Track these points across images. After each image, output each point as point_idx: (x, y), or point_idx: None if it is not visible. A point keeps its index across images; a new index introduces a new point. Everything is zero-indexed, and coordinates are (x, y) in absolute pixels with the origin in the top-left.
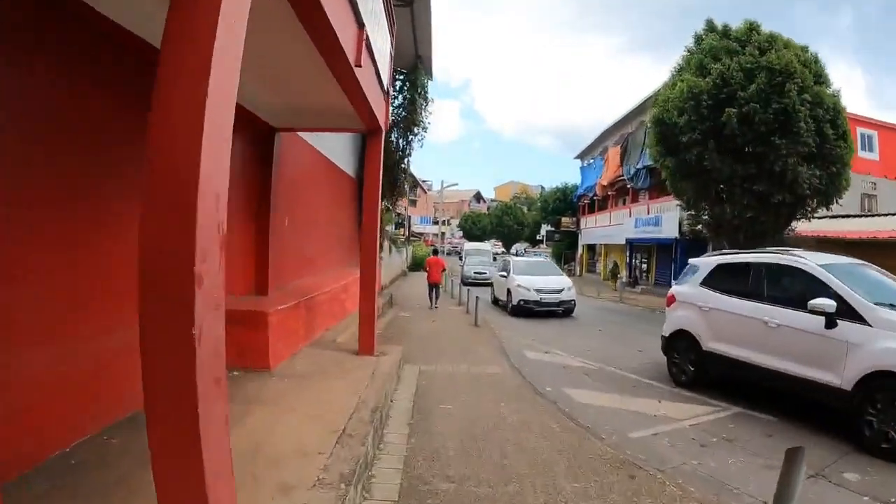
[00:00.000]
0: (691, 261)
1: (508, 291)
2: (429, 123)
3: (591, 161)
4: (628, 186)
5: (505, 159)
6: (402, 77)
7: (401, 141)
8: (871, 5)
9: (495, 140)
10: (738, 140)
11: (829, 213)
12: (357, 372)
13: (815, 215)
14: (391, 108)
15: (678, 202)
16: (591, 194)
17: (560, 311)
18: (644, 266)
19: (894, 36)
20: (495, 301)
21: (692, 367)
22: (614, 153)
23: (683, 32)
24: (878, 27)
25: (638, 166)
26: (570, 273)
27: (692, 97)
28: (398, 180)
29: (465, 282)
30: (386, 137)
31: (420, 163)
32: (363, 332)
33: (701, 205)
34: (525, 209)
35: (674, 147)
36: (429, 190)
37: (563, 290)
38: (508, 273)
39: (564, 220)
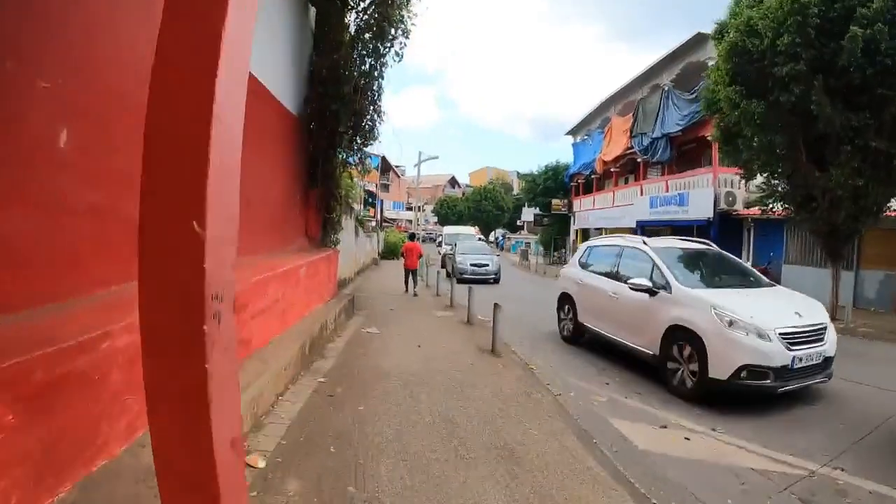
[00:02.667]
0: None
1: (707, 348)
2: (412, 26)
3: (587, 136)
4: (639, 161)
5: (479, 147)
6: None
7: (368, 59)
8: None
9: (470, 127)
10: (854, 76)
11: None
12: None
13: None
14: (350, 14)
15: (738, 172)
16: (587, 172)
17: (824, 379)
18: None
19: None
20: (574, 335)
21: None
22: (620, 124)
23: (659, 23)
24: None
25: (655, 135)
26: (561, 261)
27: (797, 10)
28: (363, 115)
29: (461, 278)
30: (346, 51)
31: (392, 149)
32: None
33: (776, 171)
34: (503, 193)
35: (759, 85)
36: (402, 175)
37: (824, 329)
38: (668, 284)
39: (555, 201)
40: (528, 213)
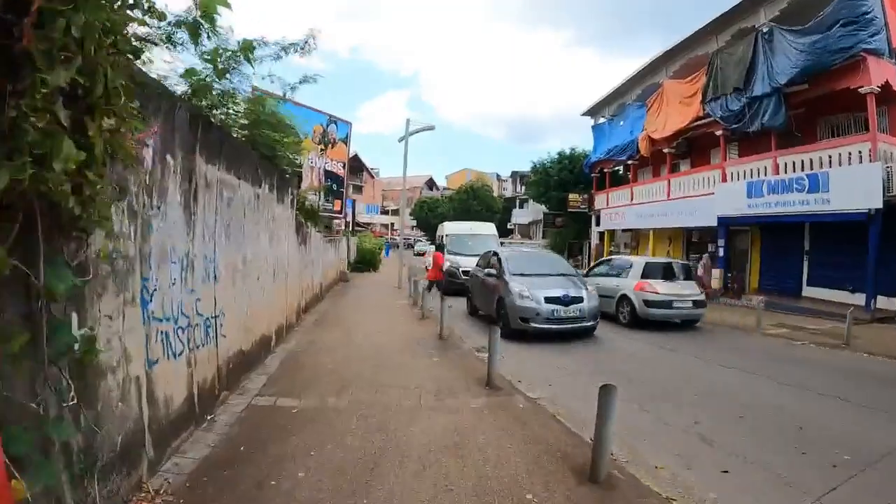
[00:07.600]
0: None
1: None
2: None
3: (615, 115)
4: (719, 134)
5: (454, 150)
6: None
7: None
8: None
9: (443, 131)
10: None
11: None
12: None
13: None
14: None
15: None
16: (623, 158)
17: None
18: (714, 261)
19: None
20: None
21: None
22: (678, 89)
23: (630, 27)
24: None
25: (755, 93)
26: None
27: None
28: None
29: (526, 328)
30: None
31: (366, 152)
32: None
33: None
34: (491, 192)
35: None
36: (376, 176)
37: None
38: None
39: (573, 196)
40: (520, 215)
